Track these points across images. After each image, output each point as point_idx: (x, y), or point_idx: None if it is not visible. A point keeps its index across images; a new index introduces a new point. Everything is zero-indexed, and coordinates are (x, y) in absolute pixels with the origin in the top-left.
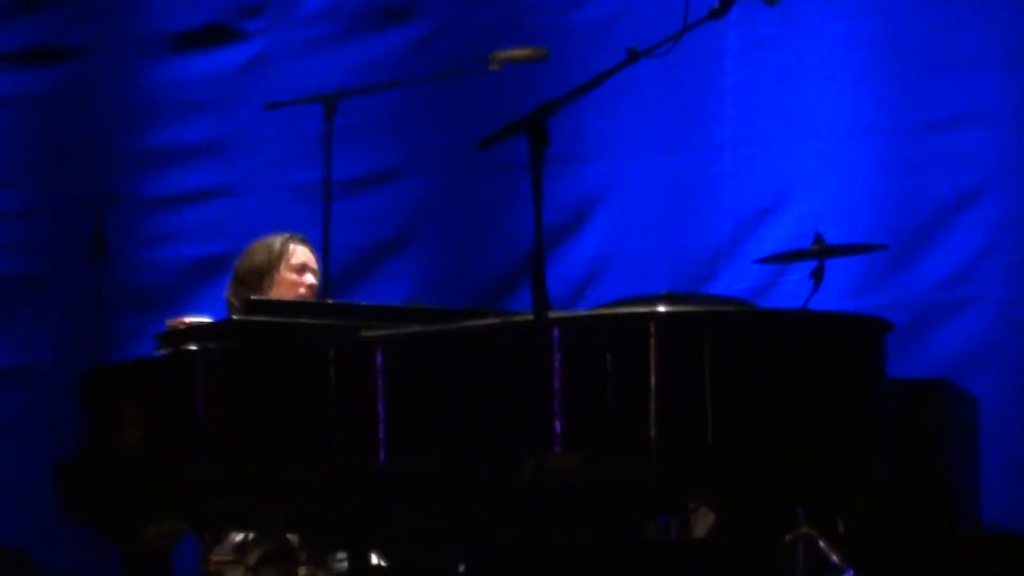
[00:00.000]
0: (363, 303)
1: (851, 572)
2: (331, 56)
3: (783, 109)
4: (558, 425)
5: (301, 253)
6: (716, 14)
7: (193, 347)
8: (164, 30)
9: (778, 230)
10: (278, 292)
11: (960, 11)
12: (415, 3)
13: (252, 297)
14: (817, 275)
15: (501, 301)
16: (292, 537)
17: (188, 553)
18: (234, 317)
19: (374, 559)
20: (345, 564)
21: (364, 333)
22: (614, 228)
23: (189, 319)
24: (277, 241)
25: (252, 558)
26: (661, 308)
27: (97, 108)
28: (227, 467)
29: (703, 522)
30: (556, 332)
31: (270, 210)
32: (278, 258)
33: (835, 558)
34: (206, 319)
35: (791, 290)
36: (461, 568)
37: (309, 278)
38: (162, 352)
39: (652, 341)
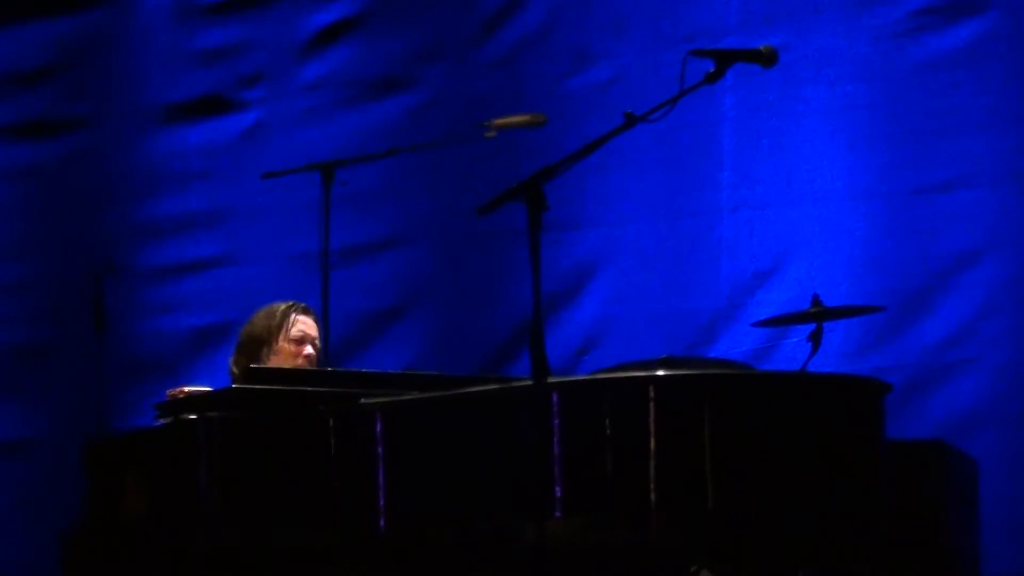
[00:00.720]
0: (362, 370)
1: None
2: (329, 125)
3: (781, 173)
4: (558, 490)
5: (301, 323)
6: (712, 78)
7: (193, 416)
8: (162, 101)
9: (777, 293)
10: (276, 361)
11: (957, 75)
12: (412, 72)
13: (252, 366)
14: (815, 337)
15: (501, 368)
16: None
17: None
18: (234, 386)
19: None
20: None
21: (363, 400)
22: (613, 294)
23: (189, 388)
24: (279, 310)
25: None
26: (660, 372)
27: (96, 179)
28: (229, 535)
29: None
30: (555, 397)
31: (269, 279)
32: (277, 328)
33: None
34: (206, 388)
35: (790, 353)
36: None
37: (308, 349)
38: (162, 422)
39: (651, 405)
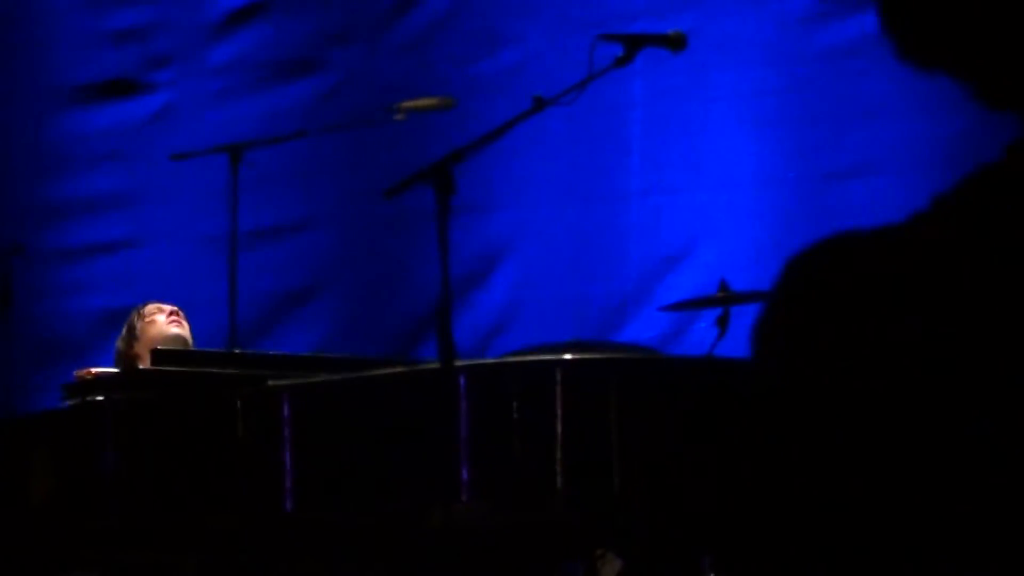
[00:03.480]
0: (270, 352)
1: None
2: (238, 107)
3: (690, 158)
4: (465, 473)
5: (158, 330)
6: (621, 62)
7: (100, 398)
8: (71, 82)
9: (686, 278)
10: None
11: (865, 61)
12: (322, 55)
13: (157, 347)
14: (722, 322)
15: (410, 351)
16: None
17: None
18: (141, 367)
19: None
20: None
21: (271, 383)
22: (522, 277)
23: (96, 370)
24: (140, 314)
25: None
26: (567, 356)
27: (3, 159)
28: (134, 516)
29: (610, 568)
30: (462, 380)
31: (178, 261)
32: (136, 333)
33: None
34: (113, 370)
35: (699, 338)
36: None
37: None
38: (69, 403)
39: (558, 388)
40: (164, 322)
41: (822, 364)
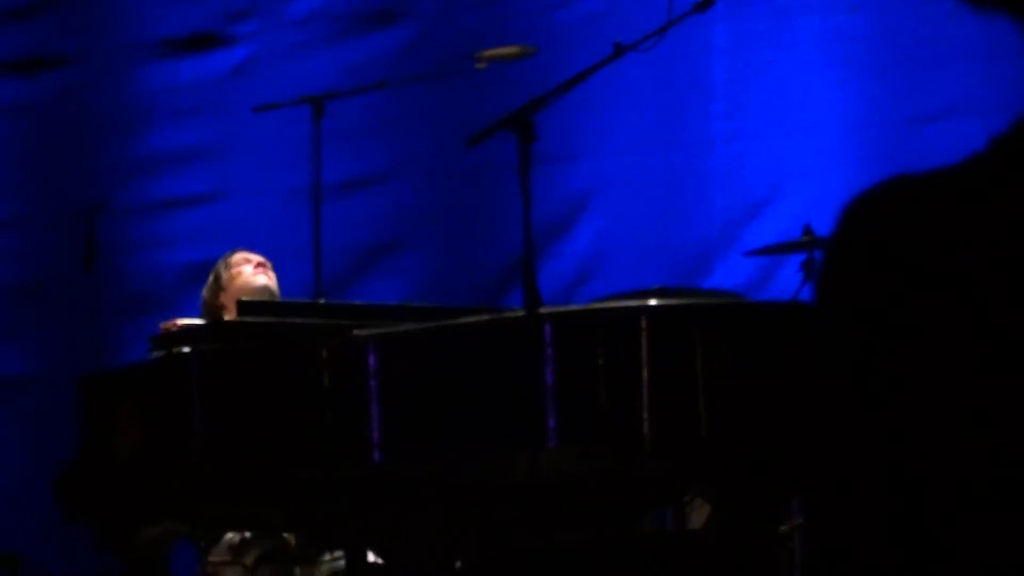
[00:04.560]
0: (355, 302)
1: None
2: (319, 59)
3: (774, 103)
4: (551, 420)
5: (245, 278)
6: (702, 7)
7: (186, 349)
8: (153, 36)
9: (771, 224)
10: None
11: (950, 3)
12: (402, 6)
13: (242, 298)
14: (807, 267)
15: (495, 301)
16: (288, 536)
17: (186, 555)
18: (227, 319)
19: (371, 557)
20: (342, 563)
21: (356, 332)
22: (606, 225)
23: (182, 321)
24: (227, 263)
25: (249, 558)
26: (652, 302)
27: (87, 116)
28: (222, 468)
29: (699, 514)
30: (548, 328)
31: (261, 214)
32: (223, 283)
33: None
34: (199, 321)
35: (785, 284)
36: (457, 565)
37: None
38: (155, 355)
39: (643, 335)
40: (251, 272)
41: (882, 308)
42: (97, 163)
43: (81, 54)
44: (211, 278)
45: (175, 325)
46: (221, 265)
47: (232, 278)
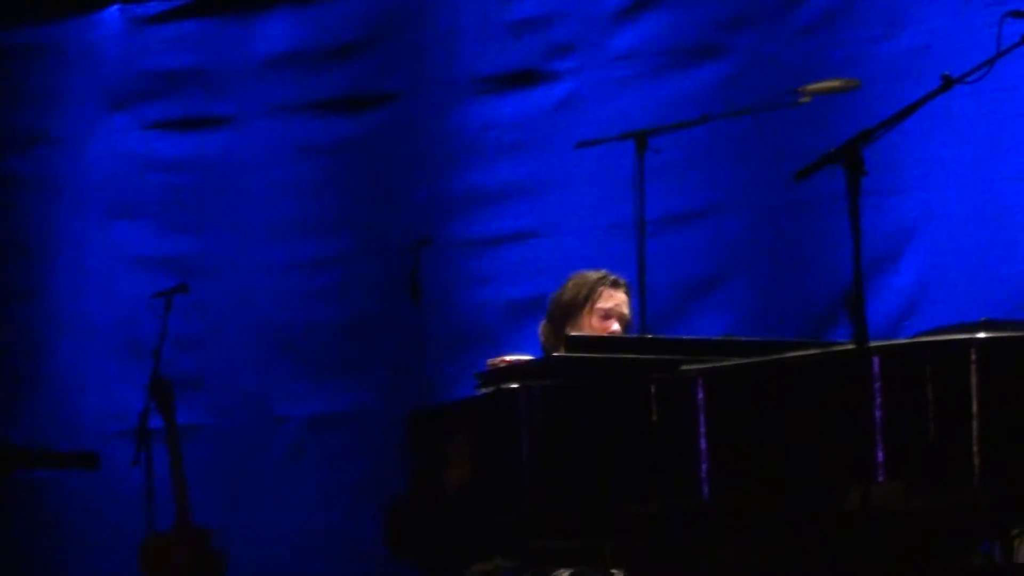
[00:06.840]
0: (681, 337)
1: None
2: (641, 95)
3: None
4: (880, 454)
5: (608, 298)
6: None
7: (515, 385)
8: (475, 73)
9: None
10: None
11: None
12: (723, 40)
13: (571, 334)
14: None
15: (818, 335)
16: (617, 572)
17: None
18: (555, 354)
19: None
20: None
21: (684, 367)
22: (931, 259)
23: (510, 358)
24: (589, 281)
25: None
26: (981, 334)
27: (410, 153)
28: (552, 504)
29: None
30: (876, 361)
31: (585, 250)
32: (585, 300)
33: None
34: (527, 357)
35: None
36: None
37: (614, 325)
38: (484, 391)
39: (973, 367)
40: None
41: None
42: (420, 199)
43: (402, 92)
44: (568, 293)
45: (503, 361)
46: (581, 284)
47: (596, 299)
